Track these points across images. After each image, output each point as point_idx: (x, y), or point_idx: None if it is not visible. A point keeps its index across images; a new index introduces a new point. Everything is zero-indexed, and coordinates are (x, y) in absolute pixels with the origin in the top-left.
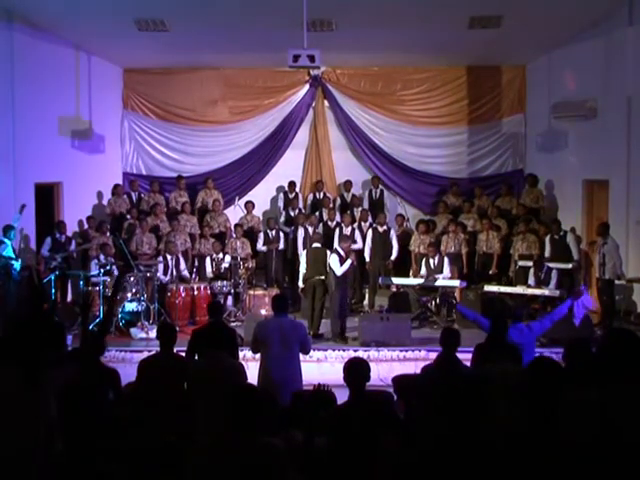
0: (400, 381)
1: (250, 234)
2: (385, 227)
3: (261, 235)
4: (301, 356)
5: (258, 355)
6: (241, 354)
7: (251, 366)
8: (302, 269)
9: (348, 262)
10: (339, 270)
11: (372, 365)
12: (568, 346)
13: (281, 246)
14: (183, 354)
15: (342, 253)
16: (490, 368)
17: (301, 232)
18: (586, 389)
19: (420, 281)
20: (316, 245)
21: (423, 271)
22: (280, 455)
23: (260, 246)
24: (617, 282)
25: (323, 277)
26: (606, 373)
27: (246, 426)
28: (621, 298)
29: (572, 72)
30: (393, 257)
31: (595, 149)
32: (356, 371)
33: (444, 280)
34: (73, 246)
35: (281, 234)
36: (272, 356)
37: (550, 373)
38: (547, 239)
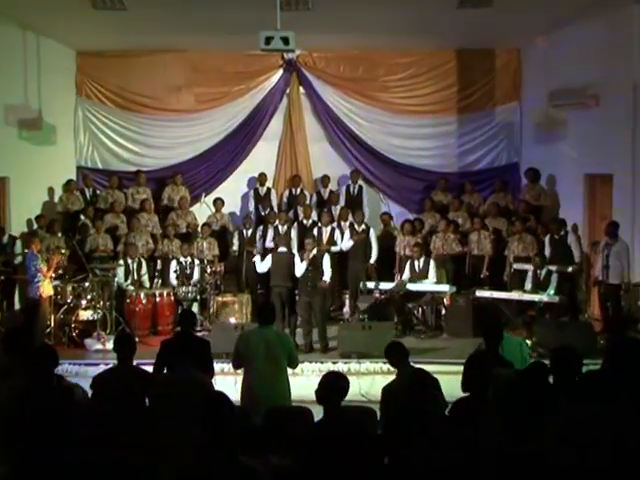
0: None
1: (220, 234)
2: (363, 226)
3: (236, 235)
4: None
5: (228, 368)
6: None
7: (219, 380)
8: (261, 269)
9: (303, 264)
10: (298, 271)
11: (353, 379)
12: (554, 356)
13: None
14: (144, 367)
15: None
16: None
17: (270, 232)
18: (583, 404)
19: (391, 286)
20: (282, 249)
21: (406, 275)
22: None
23: (235, 247)
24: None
25: (290, 285)
26: (614, 387)
27: (220, 437)
28: (625, 304)
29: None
30: (373, 259)
31: (597, 140)
32: (329, 388)
33: (431, 285)
34: (19, 248)
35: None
36: (257, 372)
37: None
38: (546, 239)
